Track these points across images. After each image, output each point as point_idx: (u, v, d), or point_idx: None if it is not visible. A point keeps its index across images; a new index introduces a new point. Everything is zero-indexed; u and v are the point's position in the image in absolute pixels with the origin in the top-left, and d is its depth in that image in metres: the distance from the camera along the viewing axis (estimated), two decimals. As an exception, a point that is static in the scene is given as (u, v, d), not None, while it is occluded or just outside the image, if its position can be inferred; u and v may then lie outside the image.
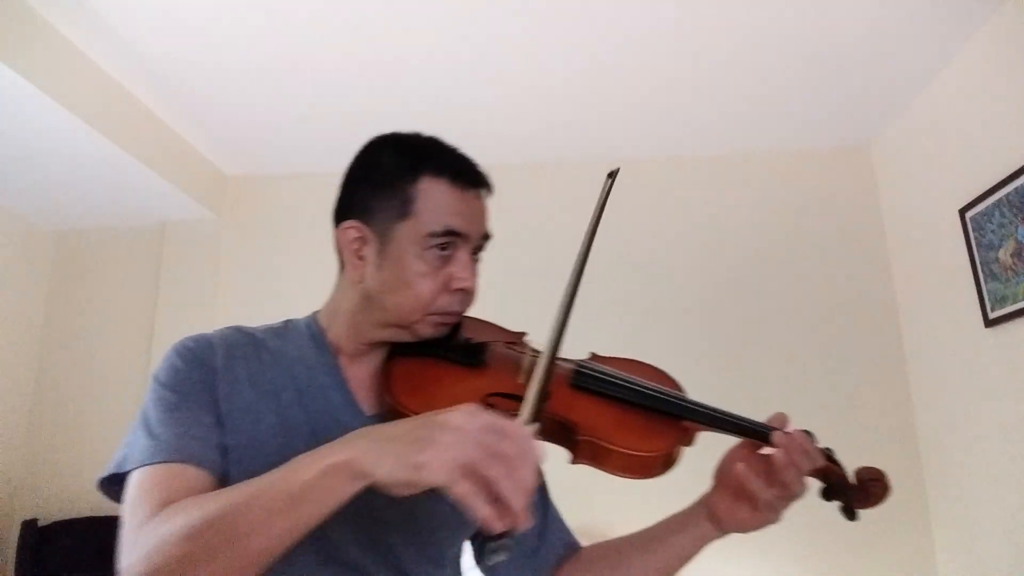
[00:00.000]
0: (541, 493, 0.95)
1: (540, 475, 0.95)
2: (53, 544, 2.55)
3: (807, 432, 0.81)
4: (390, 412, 0.79)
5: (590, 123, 2.66)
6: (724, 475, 0.84)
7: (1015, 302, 1.96)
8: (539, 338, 0.93)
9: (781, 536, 2.46)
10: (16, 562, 2.48)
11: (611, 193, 0.91)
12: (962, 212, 2.19)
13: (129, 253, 3.06)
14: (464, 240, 0.82)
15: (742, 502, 0.81)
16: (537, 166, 2.92)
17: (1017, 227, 1.95)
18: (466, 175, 0.84)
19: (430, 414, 0.60)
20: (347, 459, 0.59)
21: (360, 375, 0.87)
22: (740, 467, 0.79)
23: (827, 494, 0.85)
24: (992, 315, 2.07)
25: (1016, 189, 1.94)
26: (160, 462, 0.71)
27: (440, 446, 0.56)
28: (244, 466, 0.75)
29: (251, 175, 3.09)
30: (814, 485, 0.84)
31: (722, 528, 0.84)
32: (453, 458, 0.55)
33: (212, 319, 2.89)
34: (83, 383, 2.95)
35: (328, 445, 0.62)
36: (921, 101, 2.47)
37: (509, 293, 2.25)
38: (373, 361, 0.88)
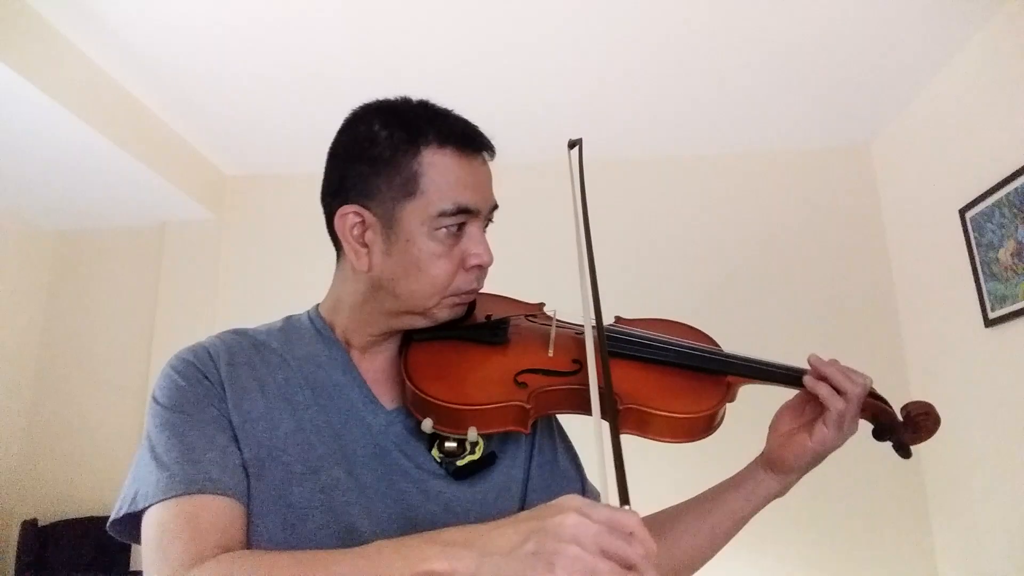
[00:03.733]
0: (577, 469, 0.89)
1: (572, 450, 0.92)
2: (53, 544, 2.55)
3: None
4: (414, 403, 0.75)
5: (590, 123, 2.66)
6: (777, 422, 0.82)
7: (1015, 302, 1.96)
8: (558, 306, 0.90)
9: (782, 536, 2.47)
10: (16, 562, 2.48)
11: (582, 161, 0.85)
12: (962, 212, 2.19)
13: (129, 253, 3.06)
14: (475, 214, 0.76)
15: (798, 434, 0.79)
16: (537, 166, 2.92)
17: (1017, 227, 1.95)
18: (471, 141, 0.77)
19: (537, 516, 0.53)
20: (450, 571, 0.53)
21: (375, 368, 0.81)
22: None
23: (878, 433, 0.84)
24: (992, 315, 2.06)
25: (1016, 189, 1.94)
26: (178, 495, 0.64)
27: (563, 564, 0.49)
28: (265, 479, 0.70)
29: (251, 175, 3.08)
30: (860, 436, 0.82)
31: (781, 470, 0.80)
32: None
33: (212, 319, 2.89)
34: (83, 383, 2.95)
35: (422, 540, 0.56)
36: (921, 101, 2.47)
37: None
38: (387, 352, 0.82)
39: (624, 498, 0.55)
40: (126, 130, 2.38)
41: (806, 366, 0.81)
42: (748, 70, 2.31)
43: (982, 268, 2.11)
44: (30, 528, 2.52)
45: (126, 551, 2.66)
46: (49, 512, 2.73)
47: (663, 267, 2.84)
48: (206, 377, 0.74)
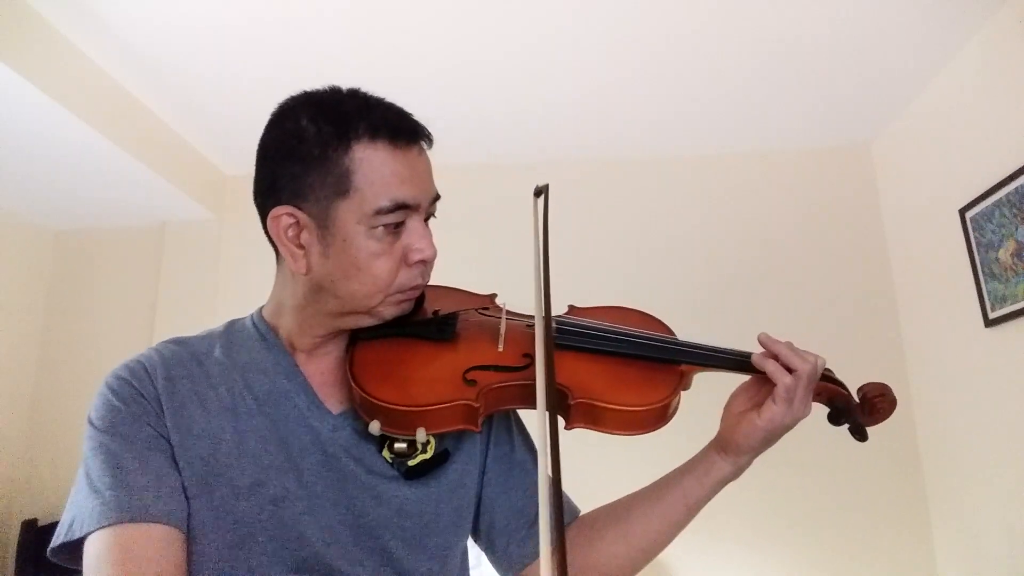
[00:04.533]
0: (534, 460, 0.87)
1: (530, 440, 0.89)
2: (53, 544, 2.55)
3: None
4: (360, 406, 0.73)
5: (590, 123, 2.66)
6: (730, 404, 0.80)
7: (1015, 302, 1.96)
8: (508, 298, 0.86)
9: (781, 536, 2.47)
10: (16, 562, 2.48)
11: (547, 209, 0.80)
12: (962, 212, 2.19)
13: (129, 253, 3.06)
14: (415, 208, 0.73)
15: (749, 413, 0.76)
16: (537, 166, 2.92)
17: (1017, 227, 1.95)
18: (404, 132, 0.72)
19: None
20: None
21: (321, 370, 0.79)
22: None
23: (834, 417, 0.81)
24: (992, 315, 2.06)
25: (1016, 189, 1.94)
26: (112, 524, 0.63)
27: None
28: (209, 497, 0.69)
29: (251, 175, 3.07)
30: (818, 425, 0.80)
31: (732, 451, 0.77)
32: None
33: (212, 319, 2.86)
34: (83, 383, 2.95)
35: None
36: (921, 101, 2.47)
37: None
38: (333, 353, 0.80)
39: (559, 515, 0.48)
40: (126, 130, 2.38)
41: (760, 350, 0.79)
42: (748, 70, 2.31)
43: (982, 268, 2.11)
44: (30, 528, 2.52)
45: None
46: (49, 512, 2.73)
47: (663, 267, 2.84)
48: (141, 395, 0.71)
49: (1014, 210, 1.96)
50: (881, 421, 0.80)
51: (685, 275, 2.83)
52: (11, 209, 2.88)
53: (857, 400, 0.80)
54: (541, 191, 0.84)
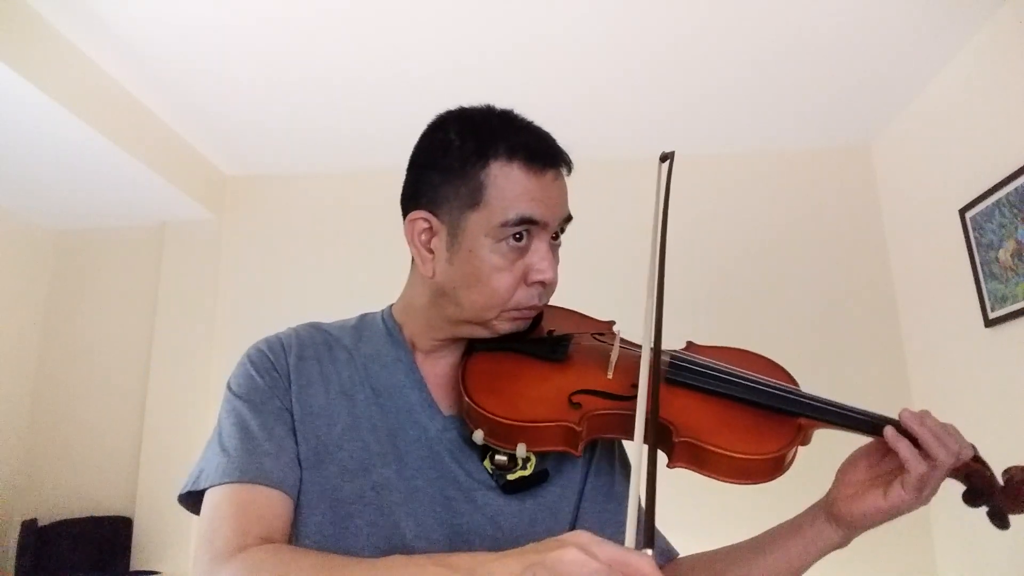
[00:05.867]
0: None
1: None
2: (53, 544, 2.55)
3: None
4: (467, 413, 0.74)
5: (590, 123, 2.66)
6: (847, 470, 0.76)
7: (1015, 302, 1.96)
8: (627, 327, 0.85)
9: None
10: (16, 562, 2.48)
11: (671, 176, 0.80)
12: (962, 212, 2.19)
13: (129, 253, 3.06)
14: (541, 227, 0.75)
15: (872, 490, 0.72)
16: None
17: (1017, 227, 1.95)
18: (540, 156, 0.76)
19: (541, 548, 0.52)
20: None
21: (437, 372, 0.82)
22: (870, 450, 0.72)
23: (971, 497, 0.74)
24: (992, 315, 2.06)
25: (1016, 189, 1.94)
26: (234, 482, 0.69)
27: None
28: (319, 473, 0.73)
29: (251, 175, 3.08)
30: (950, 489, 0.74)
31: (845, 524, 0.74)
32: None
33: (212, 319, 2.89)
34: (83, 383, 2.95)
35: (430, 560, 0.57)
36: (921, 101, 2.47)
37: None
38: (450, 357, 0.83)
39: (649, 540, 0.50)
40: (126, 130, 2.38)
41: (891, 414, 0.72)
42: (748, 70, 2.31)
43: (982, 268, 2.11)
44: (30, 528, 2.52)
45: (126, 551, 2.66)
46: (49, 512, 2.73)
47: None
48: (275, 369, 0.78)
49: (1014, 210, 1.96)
50: None
51: (685, 275, 2.83)
52: (11, 209, 2.88)
53: (1002, 483, 0.73)
54: (667, 157, 0.84)
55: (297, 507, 0.72)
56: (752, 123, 2.68)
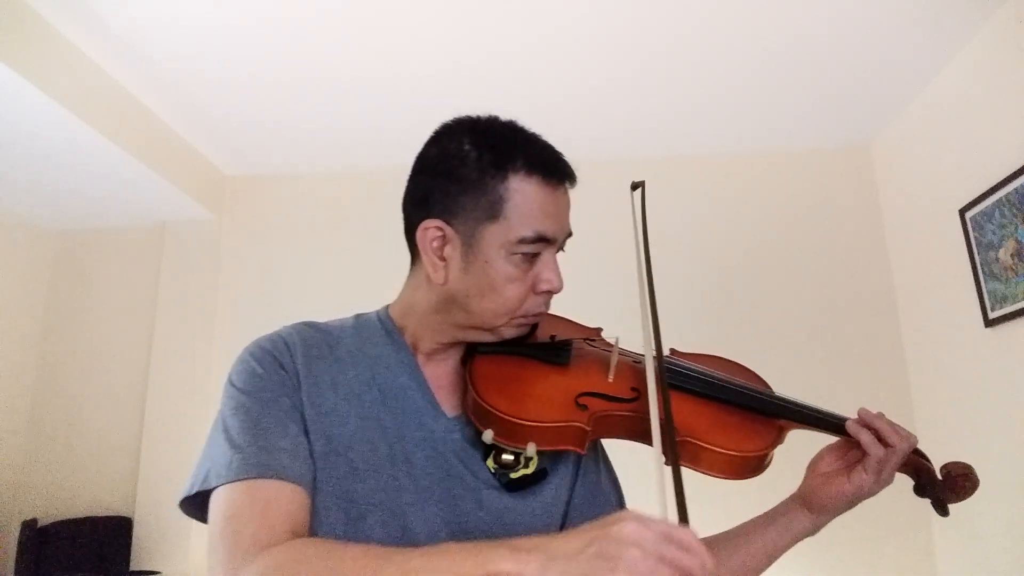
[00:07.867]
0: (616, 492, 0.91)
1: (613, 473, 0.93)
2: (53, 544, 2.55)
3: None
4: (476, 413, 0.77)
5: (591, 123, 2.66)
6: (817, 462, 0.86)
7: (1015, 302, 1.96)
8: (616, 332, 0.91)
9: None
10: (16, 562, 2.48)
11: (645, 203, 0.88)
12: (962, 212, 2.19)
13: (129, 253, 3.06)
14: (551, 242, 0.79)
15: (837, 477, 0.83)
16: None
17: (1017, 227, 1.95)
18: (556, 171, 0.79)
19: (599, 525, 0.55)
20: (518, 572, 0.55)
21: (438, 374, 0.84)
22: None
23: (919, 489, 0.87)
24: (992, 315, 2.06)
25: (1016, 189, 1.94)
26: (251, 478, 0.67)
27: (624, 566, 0.51)
28: (330, 472, 0.73)
29: (251, 175, 3.08)
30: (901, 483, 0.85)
31: (815, 509, 0.84)
32: None
33: (212, 319, 2.89)
34: (83, 383, 2.95)
35: (488, 544, 0.58)
36: (921, 101, 2.47)
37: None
38: (450, 359, 0.85)
39: (684, 519, 0.57)
40: (126, 130, 2.38)
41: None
42: (748, 70, 2.31)
43: (982, 268, 2.11)
44: (30, 528, 2.52)
45: (126, 551, 2.66)
46: (49, 512, 2.73)
47: (662, 267, 2.79)
48: (282, 367, 0.77)
49: (1014, 210, 1.96)
50: (962, 500, 0.84)
51: (685, 275, 2.83)
52: (11, 209, 2.88)
53: (940, 477, 0.85)
54: (638, 186, 0.90)
55: (311, 506, 0.72)
56: (752, 123, 2.68)
